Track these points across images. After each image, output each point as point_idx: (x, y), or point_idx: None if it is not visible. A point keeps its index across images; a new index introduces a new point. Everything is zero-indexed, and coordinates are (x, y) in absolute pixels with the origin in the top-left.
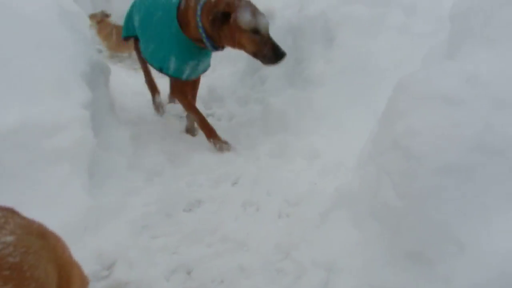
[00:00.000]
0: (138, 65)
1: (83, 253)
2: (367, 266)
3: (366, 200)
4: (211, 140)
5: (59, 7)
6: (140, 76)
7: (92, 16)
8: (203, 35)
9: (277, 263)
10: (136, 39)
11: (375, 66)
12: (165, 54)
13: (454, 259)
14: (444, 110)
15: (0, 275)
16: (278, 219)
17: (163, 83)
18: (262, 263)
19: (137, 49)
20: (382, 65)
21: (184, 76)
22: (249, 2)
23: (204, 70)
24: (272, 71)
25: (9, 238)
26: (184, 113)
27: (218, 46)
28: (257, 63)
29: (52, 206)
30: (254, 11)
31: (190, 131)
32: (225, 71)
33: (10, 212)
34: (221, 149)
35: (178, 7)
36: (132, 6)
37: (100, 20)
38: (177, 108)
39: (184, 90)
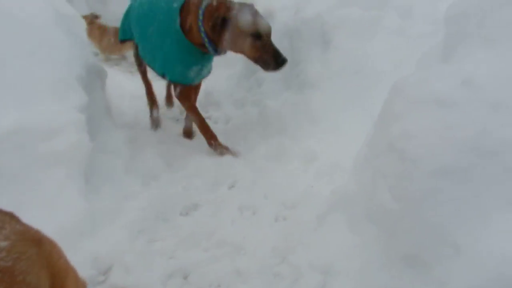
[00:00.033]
0: (134, 68)
1: (79, 258)
2: (364, 269)
3: (362, 203)
4: (212, 145)
5: (55, 10)
6: (137, 79)
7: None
8: (206, 39)
9: (274, 267)
10: (135, 45)
11: (371, 69)
12: (168, 60)
13: (450, 261)
14: (439, 113)
15: None
16: (275, 222)
17: (160, 86)
18: (259, 267)
19: (137, 55)
20: (378, 68)
21: (188, 81)
22: (251, 6)
23: (207, 74)
24: (269, 73)
25: (3, 244)
26: (182, 116)
27: (220, 51)
28: (253, 65)
29: (48, 210)
30: (255, 15)
31: (187, 133)
32: (222, 73)
33: (8, 217)
34: (221, 154)
35: (180, 12)
36: (129, 9)
37: (90, 21)
38: (174, 111)
39: (188, 94)
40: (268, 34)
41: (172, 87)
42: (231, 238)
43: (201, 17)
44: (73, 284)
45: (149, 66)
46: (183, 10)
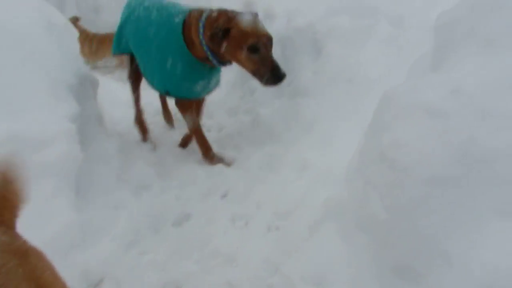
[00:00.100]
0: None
1: (69, 271)
2: (355, 280)
3: (354, 212)
4: (207, 158)
5: (46, 20)
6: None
7: None
8: (208, 52)
9: (267, 279)
10: (132, 59)
11: (363, 76)
12: (173, 77)
13: (441, 272)
14: (429, 122)
15: None
16: (267, 232)
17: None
18: (251, 279)
19: (134, 72)
20: (370, 75)
21: (195, 96)
22: (253, 17)
23: (215, 87)
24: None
25: None
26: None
27: (225, 62)
28: (246, 73)
29: (38, 222)
30: (254, 27)
31: (185, 143)
32: None
33: None
34: (215, 164)
35: (183, 27)
36: (124, 23)
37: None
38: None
39: (190, 106)
40: (268, 47)
41: (164, 101)
42: (223, 249)
43: (201, 30)
44: None
45: (149, 83)
46: (185, 25)
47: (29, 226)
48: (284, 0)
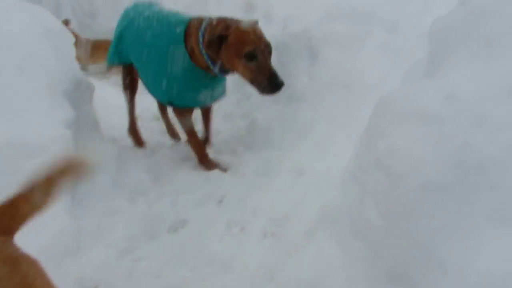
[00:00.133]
0: None
1: (64, 278)
2: (351, 286)
3: (350, 219)
4: (203, 164)
5: (42, 26)
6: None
7: None
8: (208, 61)
9: (262, 286)
10: (126, 68)
11: (359, 82)
12: (176, 87)
13: (437, 279)
14: (424, 128)
15: None
16: (263, 238)
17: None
18: (246, 285)
19: (130, 83)
20: (365, 81)
21: (199, 104)
22: (252, 24)
23: (220, 96)
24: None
25: None
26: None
27: (226, 70)
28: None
29: (32, 228)
30: (252, 34)
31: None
32: None
33: None
34: (210, 170)
35: (185, 36)
36: (122, 34)
37: None
38: (162, 125)
39: (187, 112)
40: (265, 55)
41: (167, 118)
42: (219, 256)
43: (201, 39)
44: None
45: (151, 94)
46: (187, 34)
47: (24, 233)
48: (280, 6)
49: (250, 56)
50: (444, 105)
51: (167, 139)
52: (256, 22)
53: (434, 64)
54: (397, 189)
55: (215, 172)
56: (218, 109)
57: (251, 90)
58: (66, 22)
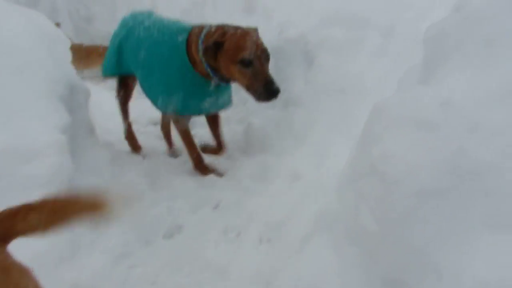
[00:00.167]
0: None
1: (59, 285)
2: None
3: (346, 224)
4: (198, 169)
5: (38, 30)
6: None
7: None
8: (208, 69)
9: None
10: (122, 78)
11: (354, 87)
12: (180, 95)
13: (432, 285)
14: (419, 134)
15: None
16: (259, 244)
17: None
18: None
19: (124, 92)
20: (361, 86)
21: (203, 112)
22: (247, 31)
23: (225, 105)
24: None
25: None
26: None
27: (226, 78)
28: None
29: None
30: (247, 40)
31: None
32: None
33: None
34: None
35: (187, 45)
36: (121, 44)
37: None
38: (158, 129)
39: (183, 120)
40: (262, 61)
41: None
42: (215, 262)
43: (200, 47)
44: None
45: (153, 104)
46: (188, 43)
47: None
48: (276, 12)
49: (246, 62)
50: (439, 111)
51: (163, 144)
52: (255, 29)
53: (428, 70)
54: (392, 195)
55: (211, 177)
56: None
57: (247, 95)
58: (57, 25)
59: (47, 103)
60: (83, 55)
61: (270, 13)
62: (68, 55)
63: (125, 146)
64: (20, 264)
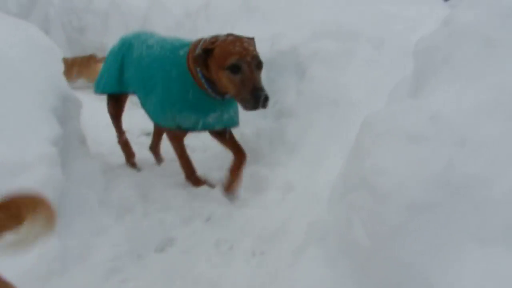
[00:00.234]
0: None
1: None
2: None
3: (338, 238)
4: (190, 181)
5: (30, 42)
6: None
7: None
8: (203, 80)
9: None
10: (117, 97)
11: (346, 98)
12: (182, 110)
13: None
14: (408, 148)
15: None
16: (251, 257)
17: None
18: None
19: (118, 109)
20: (353, 97)
21: (206, 128)
22: (239, 37)
23: (231, 122)
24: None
25: None
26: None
27: (221, 91)
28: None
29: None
30: (237, 46)
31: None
32: None
33: None
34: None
35: (188, 59)
36: (124, 61)
37: None
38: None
39: (178, 135)
40: (252, 67)
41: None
42: (207, 276)
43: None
44: None
45: (156, 122)
46: (188, 56)
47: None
48: (268, 24)
49: (234, 68)
50: (428, 125)
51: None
52: (251, 38)
53: (418, 83)
54: (383, 208)
55: (203, 188)
56: None
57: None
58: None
59: (38, 114)
60: (67, 66)
61: (263, 26)
62: (60, 66)
63: (117, 157)
64: (3, 280)
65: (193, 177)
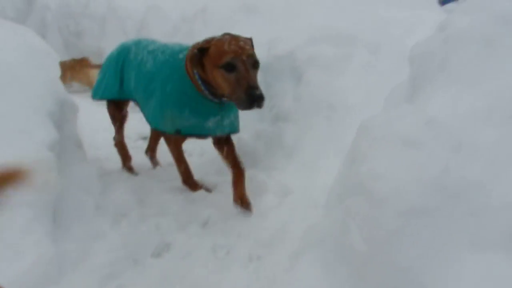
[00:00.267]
0: None
1: None
2: None
3: (334, 243)
4: (187, 185)
5: (27, 46)
6: None
7: None
8: (199, 82)
9: None
10: (119, 103)
11: (343, 102)
12: (182, 114)
13: None
14: (404, 153)
15: None
16: (248, 262)
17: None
18: None
19: (122, 118)
20: (349, 101)
21: (206, 133)
22: (235, 36)
23: (232, 127)
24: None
25: None
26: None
27: (217, 94)
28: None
29: (11, 255)
30: (233, 45)
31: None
32: None
33: None
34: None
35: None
36: (125, 67)
37: None
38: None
39: (177, 140)
40: (247, 66)
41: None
42: (203, 281)
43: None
44: None
45: (156, 127)
46: (186, 60)
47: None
48: (265, 29)
49: (229, 67)
50: (424, 130)
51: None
52: (248, 38)
53: (414, 88)
54: (379, 213)
55: (200, 192)
56: None
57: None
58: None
59: (34, 119)
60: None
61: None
62: (57, 71)
63: (114, 161)
64: None
65: (190, 182)
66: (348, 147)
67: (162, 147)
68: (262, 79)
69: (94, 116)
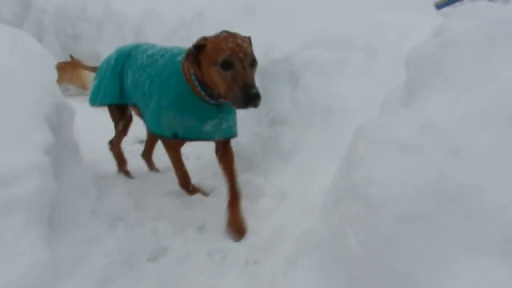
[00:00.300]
0: None
1: None
2: None
3: (331, 247)
4: (184, 188)
5: (23, 50)
6: (106, 115)
7: None
8: (196, 82)
9: None
10: (120, 109)
11: (340, 106)
12: (181, 118)
13: None
14: (400, 157)
15: None
16: (245, 267)
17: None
18: None
19: (127, 125)
20: (346, 105)
21: (205, 137)
22: (232, 34)
23: (230, 131)
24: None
25: None
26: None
27: (214, 95)
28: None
29: (5, 261)
30: (230, 42)
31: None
32: None
33: None
34: (191, 194)
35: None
36: (124, 71)
37: None
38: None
39: (175, 144)
40: (244, 64)
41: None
42: (200, 286)
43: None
44: None
45: (154, 131)
46: (183, 62)
47: None
48: (262, 33)
49: (226, 64)
50: (420, 134)
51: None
52: (247, 37)
53: (410, 92)
54: (375, 218)
55: (197, 196)
56: None
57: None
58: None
59: (31, 122)
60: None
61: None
62: (54, 74)
63: (110, 165)
64: None
65: (187, 186)
66: (345, 151)
67: (159, 150)
68: (259, 83)
69: (90, 119)
